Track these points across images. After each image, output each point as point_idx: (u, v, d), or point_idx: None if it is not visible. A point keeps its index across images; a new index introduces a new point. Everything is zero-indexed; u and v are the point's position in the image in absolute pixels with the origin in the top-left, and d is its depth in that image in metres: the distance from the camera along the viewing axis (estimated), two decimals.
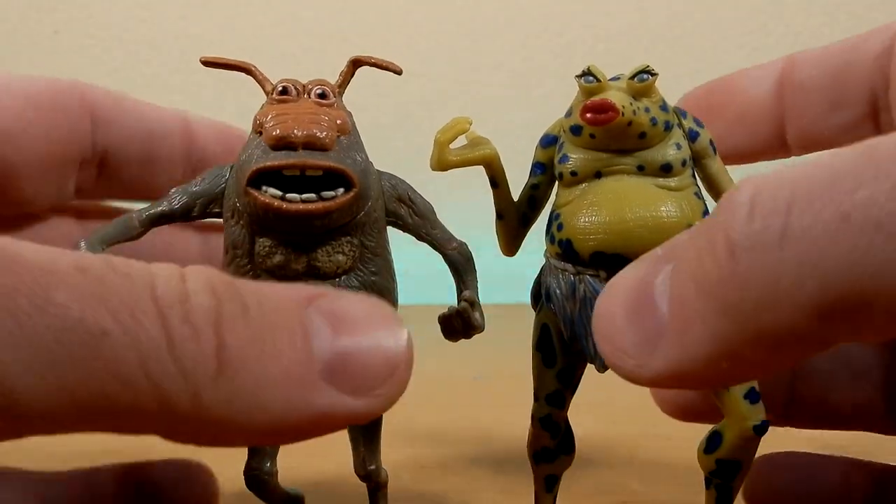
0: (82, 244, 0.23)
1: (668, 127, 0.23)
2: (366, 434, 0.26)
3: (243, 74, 0.24)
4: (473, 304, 0.24)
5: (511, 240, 0.26)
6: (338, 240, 0.23)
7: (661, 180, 0.23)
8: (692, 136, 0.24)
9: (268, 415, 0.15)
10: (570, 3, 0.69)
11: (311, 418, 0.16)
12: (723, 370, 0.16)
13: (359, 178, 0.22)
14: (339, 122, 0.23)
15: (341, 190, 0.22)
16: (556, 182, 0.24)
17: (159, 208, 0.24)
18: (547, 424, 0.25)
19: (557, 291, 0.23)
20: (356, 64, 0.24)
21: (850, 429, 0.28)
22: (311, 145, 0.22)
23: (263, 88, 0.24)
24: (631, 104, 0.22)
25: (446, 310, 0.24)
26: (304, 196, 0.22)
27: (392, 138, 0.65)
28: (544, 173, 0.25)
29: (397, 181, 0.25)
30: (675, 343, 0.17)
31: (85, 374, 0.14)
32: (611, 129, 0.22)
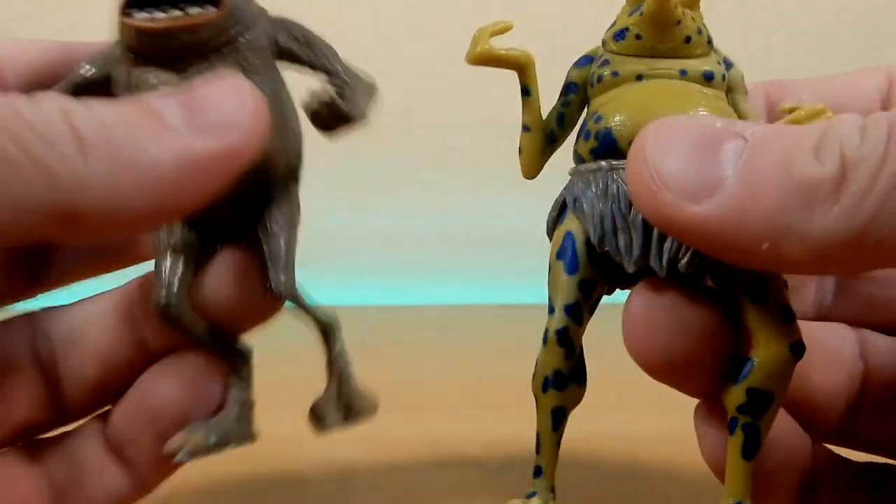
0: None
1: (710, 42, 0.24)
2: (275, 244, 0.24)
3: None
4: (343, 94, 0.24)
5: (534, 156, 0.25)
6: (214, 62, 0.23)
7: (702, 87, 0.23)
8: (727, 65, 0.24)
9: (144, 170, 0.18)
10: (573, 3, 0.69)
11: (186, 162, 0.19)
12: (756, 249, 0.18)
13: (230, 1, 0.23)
14: None
15: (211, 8, 0.22)
16: (590, 94, 0.24)
17: (66, 82, 0.24)
18: (563, 339, 0.23)
19: (588, 193, 0.23)
20: None
21: None
22: None
23: None
24: (680, 7, 0.23)
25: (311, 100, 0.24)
26: (171, 14, 0.22)
27: (392, 138, 0.65)
28: (576, 93, 0.25)
29: (292, 23, 0.25)
30: (731, 203, 0.18)
31: None
32: (664, 13, 0.22)
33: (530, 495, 0.24)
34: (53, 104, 0.18)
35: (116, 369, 0.25)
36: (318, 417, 0.25)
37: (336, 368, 0.25)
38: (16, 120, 0.17)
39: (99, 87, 0.24)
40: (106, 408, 0.26)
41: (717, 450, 0.23)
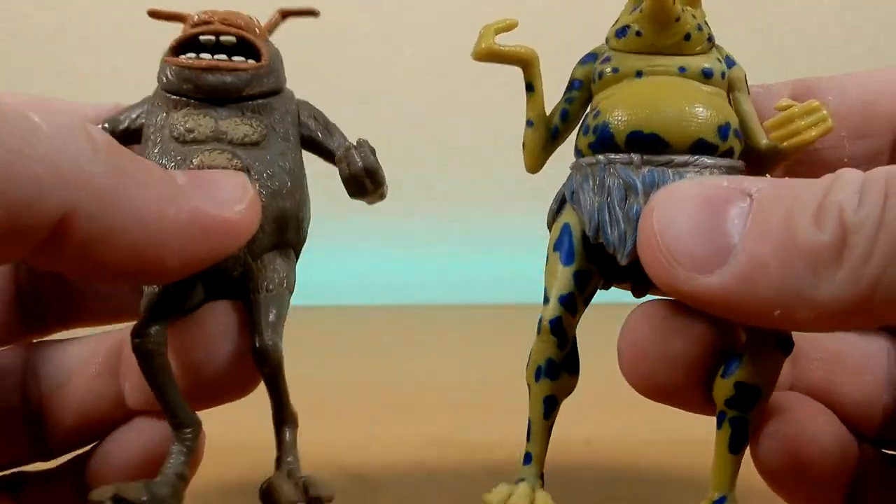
0: None
1: (710, 39, 0.24)
2: (267, 306, 0.24)
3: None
4: (373, 149, 0.25)
5: (537, 150, 0.26)
6: (247, 115, 0.24)
7: (701, 84, 0.23)
8: (728, 63, 0.24)
9: (148, 197, 0.19)
10: (575, 3, 0.69)
11: (186, 215, 0.19)
12: (769, 315, 0.18)
13: (270, 57, 0.25)
14: (256, 27, 0.25)
15: (252, 62, 0.24)
16: (592, 91, 0.25)
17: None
18: (556, 329, 0.23)
19: (585, 185, 0.23)
20: (283, 14, 0.26)
21: None
22: (227, 22, 0.24)
23: None
24: (680, 4, 0.23)
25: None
26: (216, 56, 0.24)
27: (393, 138, 0.65)
28: (580, 89, 0.25)
29: (311, 105, 0.26)
30: (740, 275, 0.18)
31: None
32: (663, 11, 0.23)
33: (519, 481, 0.24)
34: (74, 118, 0.19)
35: (94, 419, 0.25)
36: (272, 497, 0.23)
37: (284, 464, 0.24)
38: (25, 124, 0.17)
39: (129, 137, 0.25)
40: (87, 448, 0.26)
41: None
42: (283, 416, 0.25)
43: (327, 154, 0.26)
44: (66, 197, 0.18)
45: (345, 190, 0.25)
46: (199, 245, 0.20)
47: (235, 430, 0.29)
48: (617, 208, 0.22)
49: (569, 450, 0.36)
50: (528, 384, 0.24)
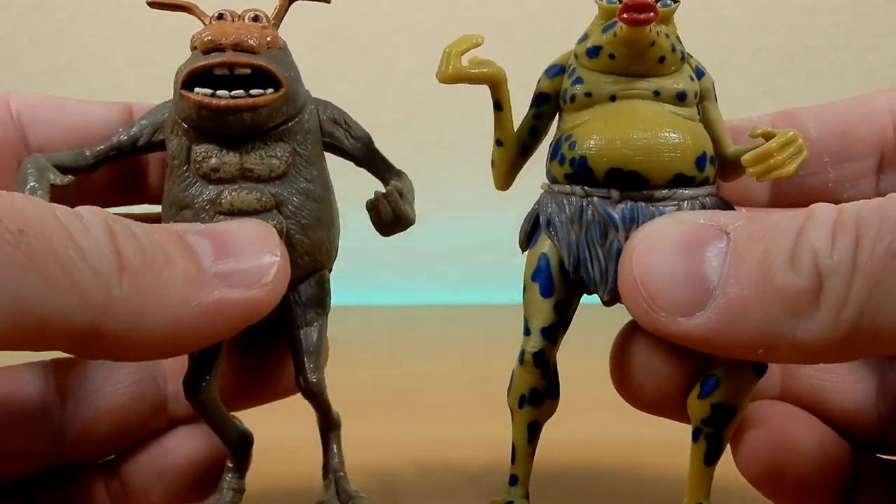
0: (27, 160, 0.24)
1: (683, 58, 0.23)
2: (307, 340, 0.25)
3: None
4: (402, 193, 0.25)
5: (508, 169, 0.25)
6: (271, 145, 0.24)
7: (675, 108, 0.23)
8: (698, 75, 0.24)
9: (171, 307, 0.19)
10: (575, 3, 0.69)
11: (211, 307, 0.19)
12: (753, 354, 0.18)
13: (287, 82, 0.24)
14: (268, 38, 0.24)
15: (270, 90, 0.23)
16: (562, 108, 0.24)
17: (108, 142, 0.25)
18: (539, 361, 0.24)
19: (562, 216, 0.23)
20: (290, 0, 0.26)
21: None
22: (239, 47, 0.23)
23: (203, 23, 0.25)
24: (655, 27, 0.22)
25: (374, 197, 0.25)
26: (234, 92, 0.23)
27: (394, 137, 0.65)
28: (548, 103, 0.25)
29: (333, 106, 0.26)
30: (721, 318, 0.18)
31: (13, 272, 0.16)
32: (638, 41, 0.22)
33: (508, 503, 0.25)
34: (100, 224, 0.18)
35: (130, 426, 0.26)
36: None
37: (332, 468, 0.27)
38: (62, 238, 0.17)
39: (147, 150, 0.25)
40: (107, 457, 0.27)
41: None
42: (329, 424, 0.27)
43: (354, 159, 0.26)
44: (92, 317, 0.18)
45: (364, 182, 0.25)
46: (226, 323, 0.20)
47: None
48: (597, 245, 0.22)
49: (568, 450, 0.36)
50: (510, 409, 0.25)
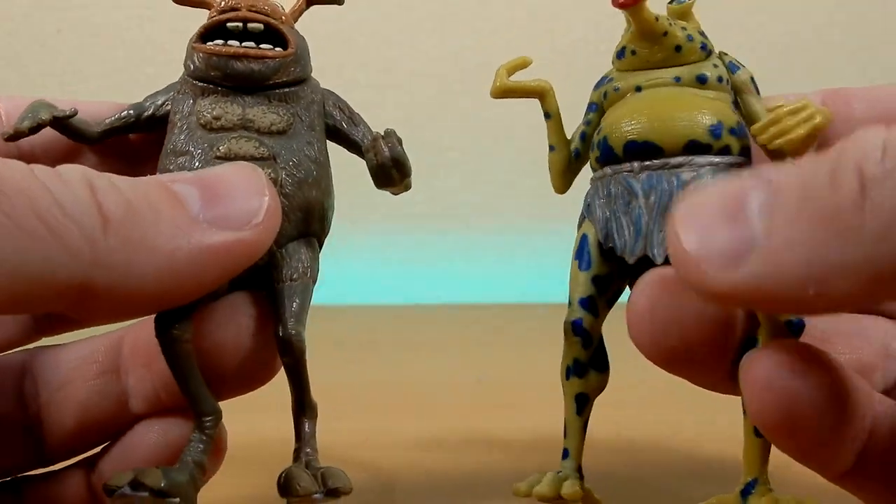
0: (27, 105, 0.25)
1: (704, 48, 0.25)
2: (289, 292, 0.24)
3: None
4: (400, 140, 0.25)
5: (562, 172, 0.27)
6: (274, 104, 0.25)
7: (696, 90, 0.25)
8: (732, 69, 0.25)
9: (161, 254, 0.19)
10: (575, 3, 0.69)
11: (201, 251, 0.19)
12: (805, 296, 0.17)
13: (296, 45, 0.25)
14: (283, 15, 0.25)
15: (279, 49, 0.25)
16: (604, 106, 0.26)
17: (116, 115, 0.26)
18: (578, 330, 0.25)
19: (597, 198, 0.25)
20: (309, 2, 0.26)
21: None
22: (254, 8, 0.24)
23: None
24: (667, 20, 0.24)
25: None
26: (245, 44, 0.24)
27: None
28: (596, 111, 0.26)
29: (339, 97, 0.26)
30: (766, 260, 0.17)
31: None
32: (643, 26, 0.24)
33: (558, 474, 0.25)
34: (80, 180, 0.19)
35: (97, 419, 0.25)
36: (289, 486, 0.24)
37: (302, 455, 0.25)
38: (42, 194, 0.18)
39: (155, 123, 0.25)
40: (89, 453, 0.26)
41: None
42: (304, 407, 0.25)
43: (352, 145, 0.26)
44: (81, 272, 0.18)
45: (363, 183, 0.25)
46: (218, 268, 0.20)
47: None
48: (621, 214, 0.24)
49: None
50: (561, 383, 0.25)
